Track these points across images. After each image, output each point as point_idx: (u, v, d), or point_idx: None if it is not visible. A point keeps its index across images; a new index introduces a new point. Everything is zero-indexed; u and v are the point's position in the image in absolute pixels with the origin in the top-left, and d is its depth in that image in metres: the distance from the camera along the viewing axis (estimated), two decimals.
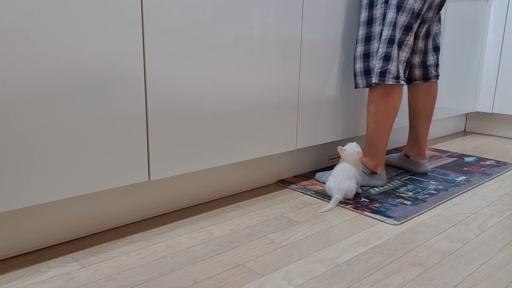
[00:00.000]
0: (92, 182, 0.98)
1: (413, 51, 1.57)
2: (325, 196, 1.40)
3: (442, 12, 2.07)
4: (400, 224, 1.20)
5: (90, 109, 0.94)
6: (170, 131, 1.09)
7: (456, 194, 1.45)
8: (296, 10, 1.34)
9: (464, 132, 2.68)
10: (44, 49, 0.86)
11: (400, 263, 0.97)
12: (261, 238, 1.09)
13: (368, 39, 1.46)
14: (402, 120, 1.96)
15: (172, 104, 1.08)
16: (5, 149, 0.84)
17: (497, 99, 2.46)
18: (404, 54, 1.42)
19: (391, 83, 1.39)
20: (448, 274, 0.93)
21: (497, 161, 1.92)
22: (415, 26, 1.41)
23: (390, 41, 1.38)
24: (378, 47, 1.42)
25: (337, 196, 1.33)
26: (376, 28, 1.43)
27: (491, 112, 2.49)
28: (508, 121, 2.53)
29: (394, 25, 1.37)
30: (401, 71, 1.41)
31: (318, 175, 1.58)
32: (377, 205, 1.33)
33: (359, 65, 1.48)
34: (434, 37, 1.57)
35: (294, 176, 1.62)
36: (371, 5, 1.45)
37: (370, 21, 1.45)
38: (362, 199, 1.38)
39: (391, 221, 1.21)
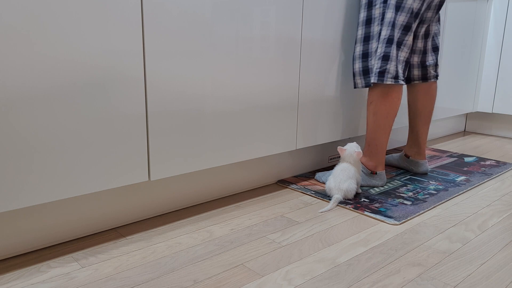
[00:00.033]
0: (92, 182, 0.98)
1: (412, 51, 1.57)
2: (325, 196, 1.40)
3: (442, 12, 2.07)
4: (400, 224, 1.20)
5: (90, 109, 0.94)
6: (170, 131, 1.09)
7: (456, 194, 1.45)
8: (296, 10, 1.34)
9: (464, 132, 2.68)
10: (44, 49, 0.86)
11: (400, 263, 0.97)
12: (261, 238, 1.09)
13: (366, 39, 1.46)
14: (402, 120, 1.96)
15: (172, 104, 1.08)
16: (5, 149, 0.84)
17: (497, 99, 2.46)
18: (403, 54, 1.42)
19: (390, 83, 1.39)
20: (448, 274, 0.93)
21: (497, 161, 1.92)
22: (414, 25, 1.41)
23: (389, 41, 1.38)
24: (377, 47, 1.42)
25: (337, 196, 1.33)
26: (375, 28, 1.43)
27: (491, 112, 2.49)
28: (508, 121, 2.53)
29: (393, 25, 1.37)
30: (400, 71, 1.41)
31: (318, 175, 1.58)
32: (377, 205, 1.33)
33: (358, 65, 1.48)
34: (433, 37, 1.57)
35: (294, 176, 1.62)
36: (369, 5, 1.45)
37: (368, 21, 1.45)
38: (362, 199, 1.38)
39: (391, 221, 1.21)
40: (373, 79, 1.42)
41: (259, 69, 1.27)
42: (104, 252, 1.00)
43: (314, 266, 0.95)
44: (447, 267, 0.95)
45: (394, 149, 2.12)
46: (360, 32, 1.48)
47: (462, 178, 1.64)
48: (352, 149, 1.39)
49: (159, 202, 1.22)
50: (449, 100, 2.32)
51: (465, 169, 1.78)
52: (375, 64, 1.42)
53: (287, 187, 1.51)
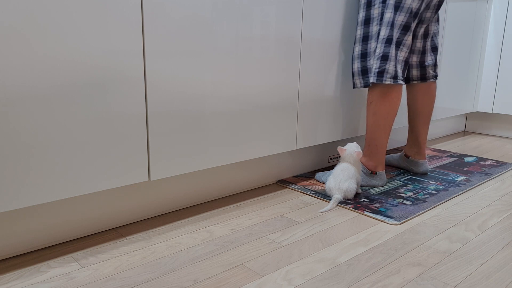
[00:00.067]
0: (92, 182, 0.98)
1: (411, 51, 1.57)
2: (325, 196, 1.40)
3: (442, 12, 2.07)
4: (400, 224, 1.20)
5: (90, 109, 0.94)
6: (170, 131, 1.09)
7: (456, 194, 1.45)
8: (296, 10, 1.34)
9: (464, 132, 2.68)
10: (44, 49, 0.86)
11: (400, 263, 0.97)
12: (261, 238, 1.09)
13: (365, 39, 1.46)
14: (401, 120, 1.96)
15: (172, 104, 1.08)
16: (5, 149, 0.84)
17: (497, 99, 2.46)
18: (403, 54, 1.42)
19: (389, 82, 1.39)
20: (448, 274, 0.93)
21: (497, 161, 1.92)
22: (413, 25, 1.41)
23: (388, 41, 1.38)
24: (376, 47, 1.42)
25: (337, 196, 1.33)
26: (374, 28, 1.43)
27: (491, 112, 2.49)
28: (508, 121, 2.53)
29: (392, 25, 1.37)
30: (399, 71, 1.41)
31: (318, 175, 1.58)
32: (377, 205, 1.33)
33: (357, 65, 1.49)
34: (432, 37, 1.57)
35: (294, 176, 1.62)
36: (368, 5, 1.45)
37: (367, 21, 1.45)
38: (362, 199, 1.38)
39: (391, 221, 1.21)
40: (372, 79, 1.42)
41: (259, 69, 1.27)
42: (104, 252, 1.00)
43: (314, 266, 0.95)
44: (447, 267, 0.95)
45: (394, 149, 2.12)
46: (359, 32, 1.48)
47: (462, 178, 1.64)
48: (352, 149, 1.39)
49: (159, 202, 1.22)
50: (449, 100, 2.32)
51: (465, 169, 1.78)
52: (374, 64, 1.42)
53: (287, 187, 1.51)
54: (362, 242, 1.08)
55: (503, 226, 1.19)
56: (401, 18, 1.37)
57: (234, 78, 1.21)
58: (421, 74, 1.60)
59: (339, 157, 1.59)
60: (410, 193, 1.45)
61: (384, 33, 1.39)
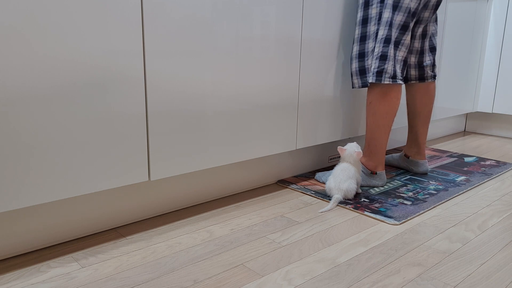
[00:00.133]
0: (92, 182, 0.98)
1: (409, 51, 1.57)
2: (325, 196, 1.40)
3: (442, 12, 2.07)
4: (400, 224, 1.20)
5: (90, 109, 0.94)
6: (170, 131, 1.09)
7: (456, 194, 1.45)
8: (296, 10, 1.34)
9: (464, 132, 2.68)
10: (44, 49, 0.86)
11: (400, 263, 0.97)
12: (261, 238, 1.09)
13: (363, 38, 1.46)
14: (401, 120, 1.96)
15: (172, 104, 1.08)
16: (5, 149, 0.84)
17: (497, 99, 2.46)
18: (401, 54, 1.41)
19: (388, 82, 1.39)
20: (448, 274, 0.93)
21: (497, 161, 1.92)
22: (411, 25, 1.41)
23: (386, 41, 1.38)
24: (374, 47, 1.42)
25: (337, 196, 1.33)
26: (371, 27, 1.43)
27: (491, 112, 2.49)
28: (508, 121, 2.53)
29: (391, 25, 1.37)
30: (398, 71, 1.41)
31: (318, 175, 1.58)
32: (377, 205, 1.33)
33: (355, 65, 1.49)
34: (430, 37, 1.57)
35: (294, 176, 1.62)
36: (366, 5, 1.45)
37: (365, 21, 1.45)
38: (362, 199, 1.38)
39: (391, 221, 1.21)
40: (371, 79, 1.42)
41: (259, 69, 1.27)
42: (104, 252, 1.00)
43: (314, 266, 0.95)
44: (447, 267, 0.95)
45: (394, 149, 2.12)
46: (357, 32, 1.48)
47: (462, 178, 1.64)
48: (352, 149, 1.39)
49: (159, 202, 1.22)
50: (449, 100, 2.32)
51: (465, 169, 1.78)
52: (372, 64, 1.42)
53: (287, 187, 1.51)
54: (362, 242, 1.08)
55: (503, 226, 1.19)
56: (399, 18, 1.37)
57: (234, 78, 1.21)
58: (419, 74, 1.60)
59: (339, 157, 1.59)
60: (410, 193, 1.45)
61: (382, 33, 1.39)
